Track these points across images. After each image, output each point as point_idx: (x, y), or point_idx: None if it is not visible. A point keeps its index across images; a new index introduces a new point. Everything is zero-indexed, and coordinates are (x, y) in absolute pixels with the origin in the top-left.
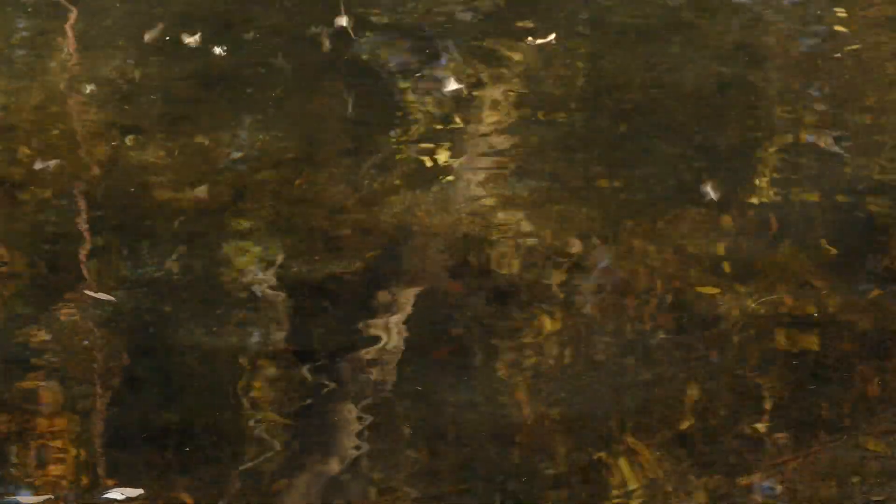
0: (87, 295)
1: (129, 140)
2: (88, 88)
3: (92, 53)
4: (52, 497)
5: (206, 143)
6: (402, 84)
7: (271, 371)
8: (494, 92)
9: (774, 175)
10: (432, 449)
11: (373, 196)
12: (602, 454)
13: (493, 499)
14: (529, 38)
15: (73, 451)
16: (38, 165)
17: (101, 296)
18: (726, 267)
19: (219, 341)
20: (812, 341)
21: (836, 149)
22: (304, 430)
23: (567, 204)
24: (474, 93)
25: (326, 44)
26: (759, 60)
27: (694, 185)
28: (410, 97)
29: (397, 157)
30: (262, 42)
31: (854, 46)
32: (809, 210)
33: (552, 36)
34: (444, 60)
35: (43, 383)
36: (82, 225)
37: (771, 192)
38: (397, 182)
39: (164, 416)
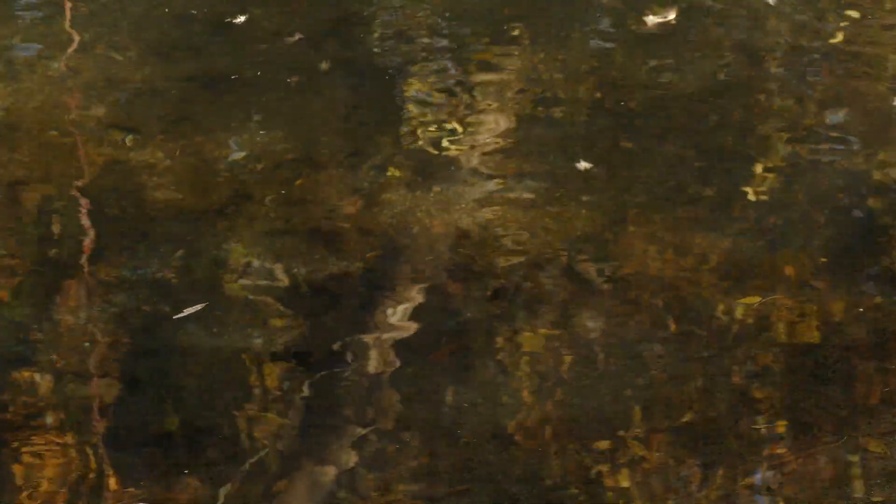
0: (181, 316)
1: (128, 140)
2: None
3: (92, 54)
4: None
5: (206, 143)
6: (403, 84)
7: (271, 372)
8: (495, 92)
9: (774, 176)
10: (432, 449)
11: (373, 196)
12: (602, 455)
13: (493, 500)
14: (650, 17)
15: (73, 452)
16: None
17: (191, 309)
18: (726, 267)
19: (219, 342)
20: (812, 342)
21: (835, 149)
22: (304, 431)
23: (567, 205)
24: (474, 93)
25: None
26: (759, 61)
27: (694, 185)
28: (410, 97)
29: (397, 157)
30: (263, 42)
31: (856, 48)
32: (809, 211)
33: (673, 15)
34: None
35: (43, 384)
36: (82, 225)
37: (771, 193)
38: (397, 182)
39: (165, 417)
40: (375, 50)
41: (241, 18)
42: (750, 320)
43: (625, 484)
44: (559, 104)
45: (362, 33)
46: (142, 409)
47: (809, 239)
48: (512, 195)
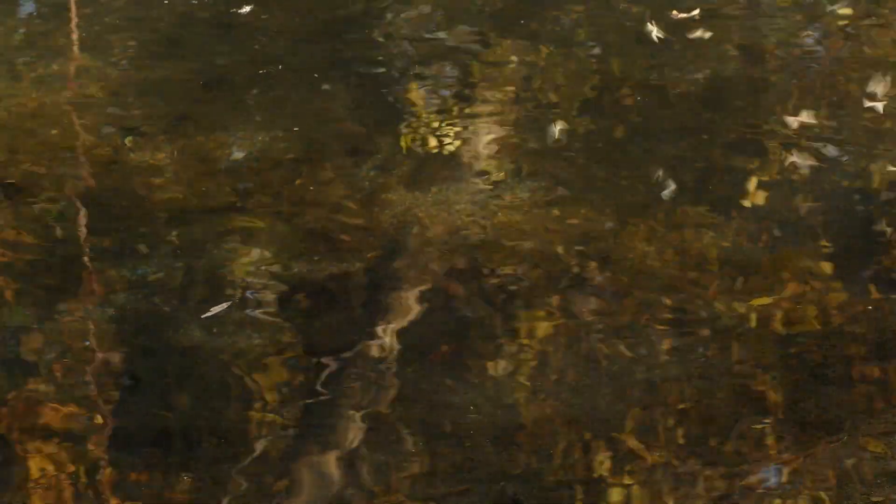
0: (208, 316)
1: (129, 141)
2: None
3: (92, 54)
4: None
5: (207, 143)
6: (403, 83)
7: (271, 372)
8: (494, 92)
9: (774, 176)
10: (432, 449)
11: (373, 196)
12: (602, 455)
13: (493, 499)
14: (674, 12)
15: (74, 452)
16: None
17: (217, 308)
18: (726, 267)
19: (219, 342)
20: (812, 342)
21: (836, 149)
22: (304, 431)
23: (567, 205)
24: (475, 93)
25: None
26: (758, 61)
27: (694, 185)
28: (411, 98)
29: (398, 157)
30: (263, 42)
31: (855, 48)
32: (809, 211)
33: (696, 11)
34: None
35: (43, 384)
36: (82, 226)
37: (771, 193)
38: (397, 182)
39: (165, 417)
40: (376, 49)
41: (247, 9)
42: (750, 320)
43: (625, 484)
44: (559, 104)
45: (363, 33)
46: (142, 409)
47: (809, 239)
48: (511, 195)
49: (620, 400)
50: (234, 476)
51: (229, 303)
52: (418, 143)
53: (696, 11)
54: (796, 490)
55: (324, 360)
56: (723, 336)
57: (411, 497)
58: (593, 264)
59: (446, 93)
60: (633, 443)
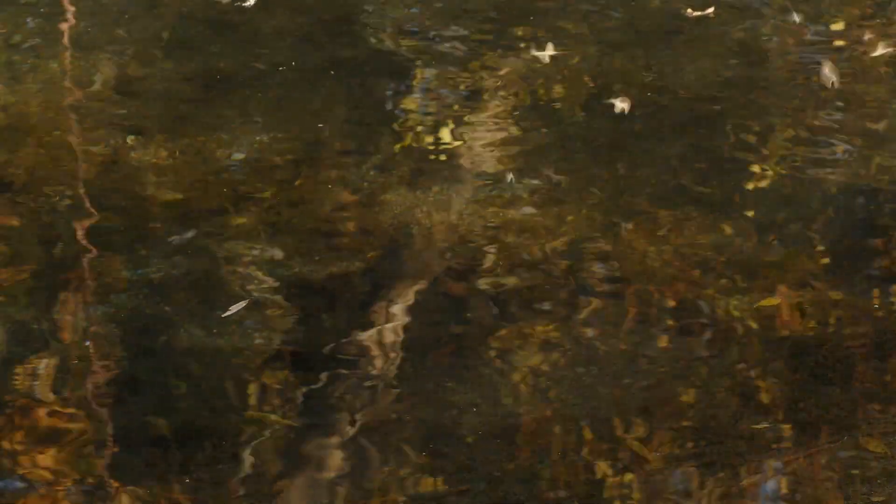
0: (228, 315)
1: (129, 140)
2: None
3: (92, 54)
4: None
5: (207, 143)
6: (404, 83)
7: (271, 372)
8: (495, 92)
9: (774, 176)
10: (432, 449)
11: (373, 196)
12: (602, 455)
13: (493, 499)
14: (689, 10)
15: (73, 452)
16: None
17: (236, 307)
18: (727, 268)
19: (219, 342)
20: (812, 342)
21: (836, 149)
22: (303, 431)
23: (567, 204)
24: (475, 93)
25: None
26: (759, 60)
27: (694, 185)
28: (411, 97)
29: (398, 157)
30: (263, 42)
31: (855, 48)
32: (809, 210)
33: (711, 9)
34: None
35: (43, 384)
36: (83, 225)
37: (771, 193)
38: (397, 182)
39: (164, 417)
40: (376, 49)
41: (251, 2)
42: (750, 320)
43: (625, 483)
44: (559, 104)
45: (363, 33)
46: (142, 409)
47: (810, 239)
48: (512, 195)
49: (620, 400)
50: (233, 477)
51: (246, 301)
52: (418, 143)
53: (711, 9)
54: (796, 490)
55: (324, 359)
56: (723, 336)
57: (411, 497)
58: (593, 264)
59: (447, 92)
60: (632, 443)
